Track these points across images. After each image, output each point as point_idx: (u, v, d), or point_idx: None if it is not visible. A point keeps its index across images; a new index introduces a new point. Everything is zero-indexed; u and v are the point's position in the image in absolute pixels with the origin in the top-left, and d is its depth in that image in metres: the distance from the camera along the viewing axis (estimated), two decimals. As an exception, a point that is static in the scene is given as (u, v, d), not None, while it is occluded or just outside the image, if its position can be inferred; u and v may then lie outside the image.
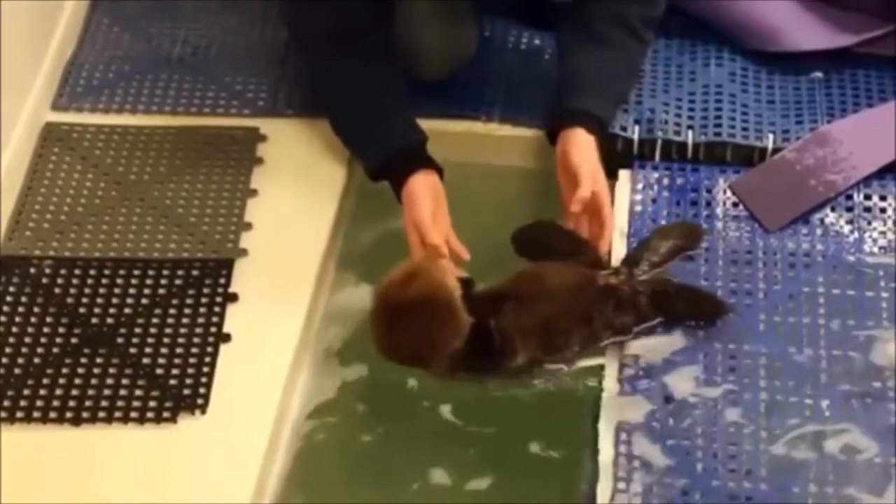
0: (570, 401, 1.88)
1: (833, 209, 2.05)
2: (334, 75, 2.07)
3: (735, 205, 2.07)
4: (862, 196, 2.07)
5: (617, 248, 2.00)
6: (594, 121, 2.04)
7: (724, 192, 2.09)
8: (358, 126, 2.08)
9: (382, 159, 2.00)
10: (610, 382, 1.85)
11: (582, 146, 2.01)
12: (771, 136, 2.14)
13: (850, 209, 2.05)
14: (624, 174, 2.13)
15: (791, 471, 1.73)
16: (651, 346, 1.87)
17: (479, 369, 1.87)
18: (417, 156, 1.99)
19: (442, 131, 2.16)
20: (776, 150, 2.12)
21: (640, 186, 2.10)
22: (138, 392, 1.85)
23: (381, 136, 2.02)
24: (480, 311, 1.84)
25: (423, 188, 1.95)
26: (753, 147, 2.13)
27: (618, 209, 2.07)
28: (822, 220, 2.04)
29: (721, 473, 1.73)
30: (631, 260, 1.95)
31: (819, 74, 2.24)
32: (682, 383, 1.83)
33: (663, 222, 2.04)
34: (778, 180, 2.08)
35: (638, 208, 2.07)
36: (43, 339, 1.91)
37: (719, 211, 2.06)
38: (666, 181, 2.11)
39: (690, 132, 2.16)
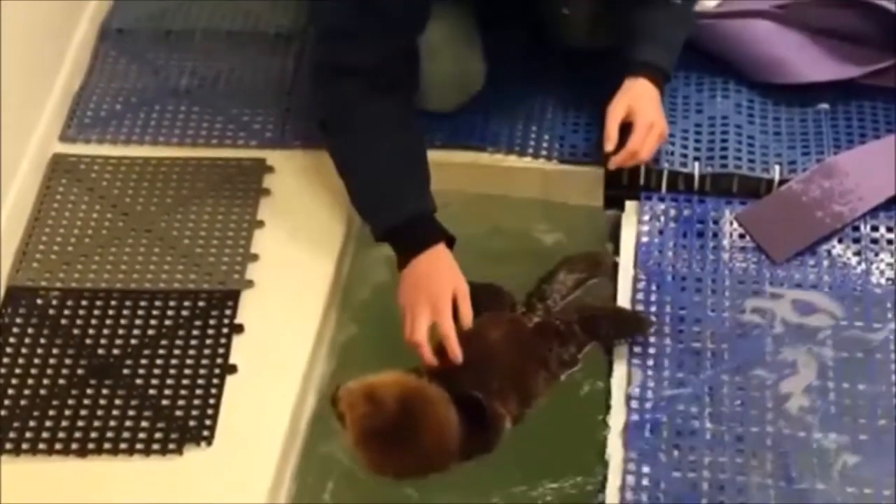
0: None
1: (840, 240, 2.05)
2: (352, 123, 1.99)
3: (742, 236, 2.07)
4: (869, 227, 2.06)
5: (623, 285, 2.01)
6: (649, 67, 2.09)
7: (731, 223, 2.09)
8: (372, 184, 2.00)
9: (396, 224, 1.93)
10: (616, 413, 1.85)
11: (625, 89, 2.07)
12: (777, 168, 2.14)
13: (857, 240, 2.05)
14: (630, 205, 2.13)
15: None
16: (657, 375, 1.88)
17: (480, 447, 1.80)
18: (436, 226, 1.93)
19: (448, 162, 2.17)
20: (783, 182, 2.12)
21: (646, 218, 2.10)
22: (144, 423, 1.85)
23: (396, 198, 1.95)
24: (445, 388, 1.76)
25: (446, 262, 1.89)
26: (760, 178, 2.13)
27: (624, 241, 2.07)
28: (829, 252, 2.04)
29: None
30: (540, 295, 1.95)
31: (825, 106, 2.24)
32: (688, 414, 1.83)
33: (670, 254, 2.04)
34: (784, 212, 2.08)
35: (645, 239, 2.07)
36: (49, 370, 1.91)
37: (726, 242, 2.06)
38: (673, 212, 2.11)
39: (697, 163, 2.16)
